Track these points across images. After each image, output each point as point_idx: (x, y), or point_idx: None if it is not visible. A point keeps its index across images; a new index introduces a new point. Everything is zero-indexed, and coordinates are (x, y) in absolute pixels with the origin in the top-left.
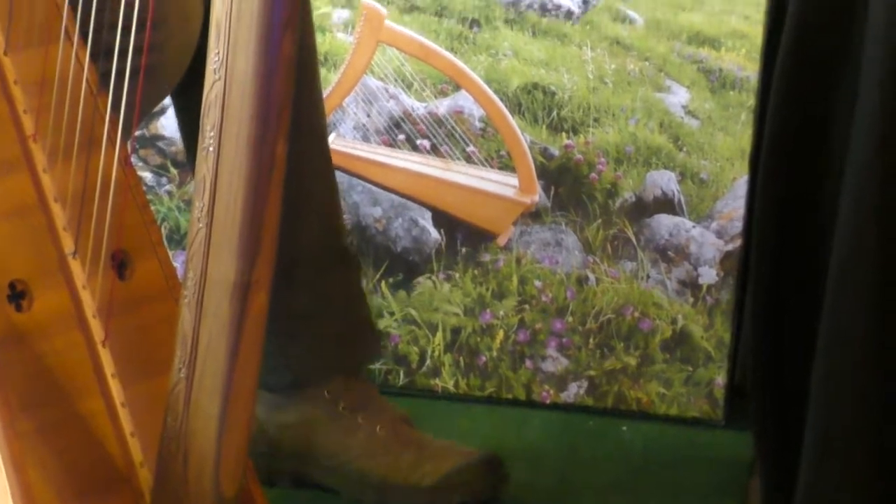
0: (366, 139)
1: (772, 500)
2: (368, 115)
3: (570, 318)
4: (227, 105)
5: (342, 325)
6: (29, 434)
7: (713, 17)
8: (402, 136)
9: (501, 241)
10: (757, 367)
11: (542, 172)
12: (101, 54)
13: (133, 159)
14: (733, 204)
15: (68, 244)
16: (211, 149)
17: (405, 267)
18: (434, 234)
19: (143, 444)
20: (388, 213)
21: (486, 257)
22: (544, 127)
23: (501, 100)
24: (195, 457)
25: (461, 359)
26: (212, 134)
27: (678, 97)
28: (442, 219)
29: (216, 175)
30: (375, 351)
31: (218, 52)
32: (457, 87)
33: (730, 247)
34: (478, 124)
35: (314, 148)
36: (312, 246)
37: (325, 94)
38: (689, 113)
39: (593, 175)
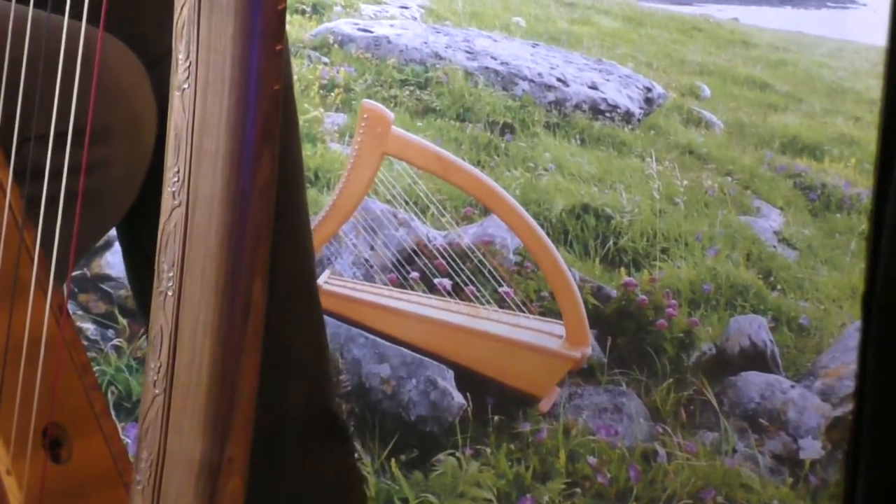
0: (369, 278)
1: None
2: (372, 248)
3: None
4: (189, 237)
5: None
6: None
7: (813, 120)
8: (415, 274)
9: (544, 406)
10: None
11: (596, 318)
12: (28, 174)
13: (70, 307)
14: (842, 358)
15: None
16: (170, 293)
17: (421, 440)
18: (458, 398)
19: None
20: (398, 373)
21: (526, 427)
22: (597, 260)
23: (542, 226)
24: None
25: None
26: (170, 274)
27: (769, 221)
28: (468, 379)
29: (176, 327)
30: None
31: (178, 171)
32: (485, 212)
33: (838, 412)
34: (512, 258)
35: (299, 290)
36: (296, 414)
37: (315, 220)
38: (784, 241)
39: (661, 321)
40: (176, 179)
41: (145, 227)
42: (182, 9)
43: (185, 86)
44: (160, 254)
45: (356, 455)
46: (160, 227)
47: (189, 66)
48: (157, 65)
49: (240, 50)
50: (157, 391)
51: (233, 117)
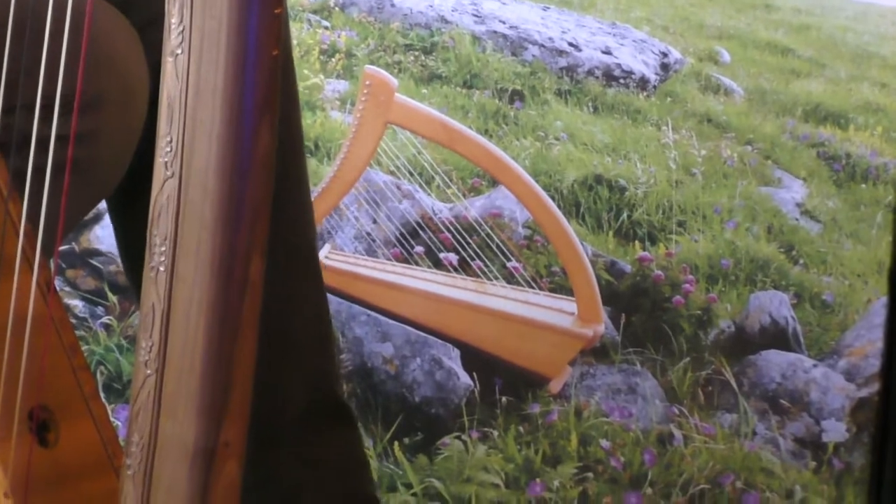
0: (371, 252)
1: None
2: (375, 221)
3: (650, 490)
4: (182, 211)
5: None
6: None
7: (837, 86)
8: (419, 249)
9: (555, 387)
10: None
11: (610, 295)
12: (13, 145)
13: (58, 283)
14: (868, 335)
15: None
16: (162, 269)
17: (426, 423)
18: (464, 378)
19: None
20: (402, 352)
21: (535, 409)
22: (611, 234)
23: (553, 198)
24: None
25: None
26: (163, 249)
27: (792, 193)
28: (475, 358)
29: (169, 304)
30: None
31: (170, 140)
32: (493, 183)
33: (863, 392)
34: (522, 231)
35: (300, 266)
36: (298, 398)
37: (315, 192)
38: (807, 213)
39: (678, 298)
40: (169, 149)
41: (137, 200)
42: None
43: (179, 51)
44: (152, 227)
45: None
46: (152, 199)
47: (183, 31)
48: (148, 28)
49: (236, 13)
50: (148, 372)
51: (229, 85)
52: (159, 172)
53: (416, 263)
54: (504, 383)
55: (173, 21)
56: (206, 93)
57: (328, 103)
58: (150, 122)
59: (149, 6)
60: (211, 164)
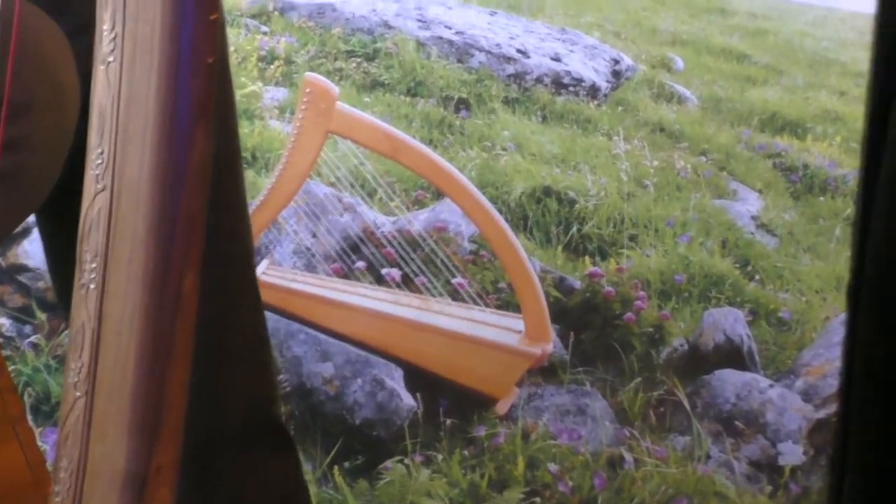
0: (311, 268)
1: None
2: (314, 235)
3: None
4: (114, 225)
5: None
6: None
7: (795, 95)
8: (361, 264)
9: (502, 408)
10: None
11: (559, 312)
12: None
13: None
14: (826, 354)
15: None
16: (92, 286)
17: (367, 446)
18: (407, 399)
19: None
20: (342, 372)
21: (481, 431)
22: (560, 249)
23: (501, 211)
24: None
25: None
26: (93, 265)
27: (747, 205)
28: (418, 379)
29: (100, 323)
30: None
31: (102, 152)
32: (438, 195)
33: (821, 413)
34: (467, 246)
35: (236, 280)
36: (234, 419)
37: (253, 205)
38: (763, 227)
39: (629, 315)
40: (100, 161)
41: (67, 213)
42: None
43: (111, 59)
44: (82, 243)
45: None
46: (82, 213)
47: (115, 38)
48: (78, 35)
49: (170, 20)
50: (78, 393)
51: (162, 94)
52: (90, 185)
53: (358, 279)
54: (449, 404)
55: (105, 28)
56: (139, 102)
57: (267, 112)
58: (81, 132)
59: (79, 12)
60: (143, 177)
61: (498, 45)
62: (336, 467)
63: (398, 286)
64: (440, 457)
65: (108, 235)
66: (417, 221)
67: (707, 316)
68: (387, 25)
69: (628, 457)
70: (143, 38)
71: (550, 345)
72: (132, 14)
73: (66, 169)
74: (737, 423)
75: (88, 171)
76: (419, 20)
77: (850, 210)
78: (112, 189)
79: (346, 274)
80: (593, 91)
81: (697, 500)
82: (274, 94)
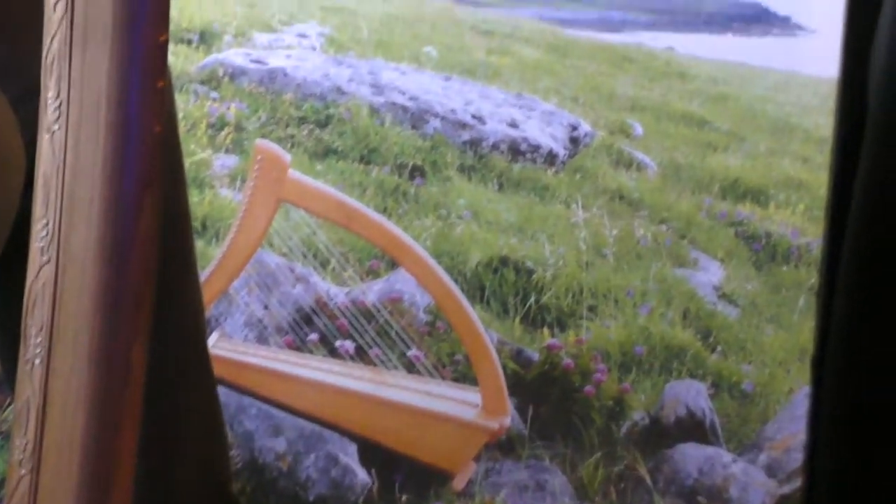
0: (262, 340)
1: None
2: (266, 306)
3: None
4: (60, 298)
5: None
6: None
7: (757, 161)
8: (314, 336)
9: (459, 483)
10: None
11: (516, 385)
12: None
13: None
14: (790, 427)
15: None
16: (37, 361)
17: None
18: (362, 475)
19: None
20: (295, 447)
21: None
22: (518, 320)
23: (456, 281)
24: None
25: None
26: (38, 340)
27: (709, 275)
28: (373, 454)
29: (45, 399)
30: None
31: (47, 223)
32: (392, 265)
33: (785, 489)
34: (423, 317)
35: (187, 353)
36: (186, 495)
37: (203, 275)
38: (725, 297)
39: (589, 388)
40: (45, 233)
41: (11, 286)
42: (52, 41)
43: (56, 127)
44: (27, 317)
45: None
46: (27, 286)
47: (60, 106)
48: (21, 102)
49: (116, 88)
50: (23, 471)
51: (109, 163)
52: (35, 258)
53: (311, 352)
54: (404, 480)
55: (50, 94)
56: (85, 171)
57: (217, 180)
58: (24, 202)
59: (22, 77)
60: (90, 248)
61: (453, 110)
62: None
63: (352, 359)
64: None
65: (54, 309)
66: (371, 292)
67: (668, 389)
68: (339, 91)
69: None
70: (89, 106)
71: (508, 418)
72: (77, 81)
73: (11, 240)
74: (699, 498)
75: (33, 244)
76: (373, 85)
77: (813, 279)
78: (57, 261)
79: (299, 346)
80: (551, 158)
81: None
82: (224, 162)
